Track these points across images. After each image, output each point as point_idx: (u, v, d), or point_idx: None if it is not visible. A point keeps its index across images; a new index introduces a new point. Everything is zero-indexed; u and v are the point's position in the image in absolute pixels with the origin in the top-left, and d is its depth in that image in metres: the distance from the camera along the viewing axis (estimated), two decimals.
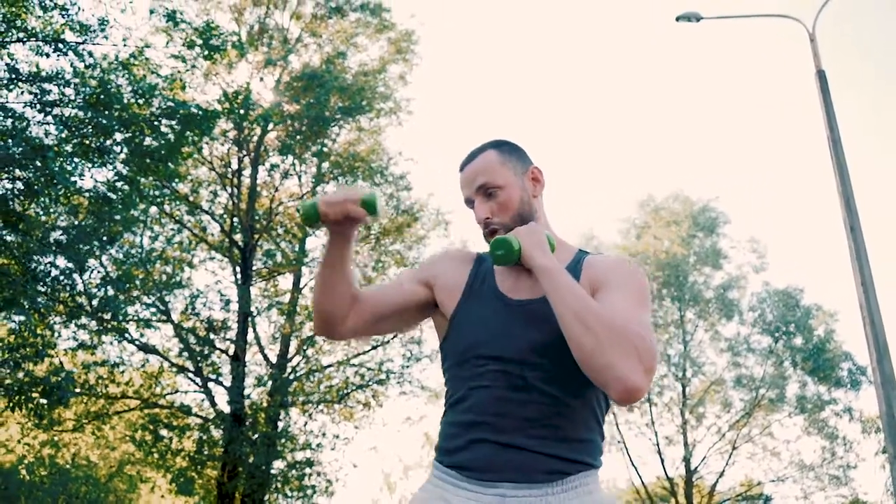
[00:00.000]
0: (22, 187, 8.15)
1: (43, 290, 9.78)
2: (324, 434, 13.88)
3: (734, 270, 20.00)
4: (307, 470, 13.31)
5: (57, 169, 7.60)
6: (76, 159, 9.29)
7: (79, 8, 8.81)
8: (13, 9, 8.68)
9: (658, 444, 19.14)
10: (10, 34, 9.12)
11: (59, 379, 8.53)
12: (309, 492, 13.16)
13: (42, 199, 8.41)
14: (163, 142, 9.68)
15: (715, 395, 19.38)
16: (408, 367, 14.37)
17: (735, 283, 19.75)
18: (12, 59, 9.21)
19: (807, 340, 18.85)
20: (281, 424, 13.66)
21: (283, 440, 13.29)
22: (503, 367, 1.50)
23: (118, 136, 9.70)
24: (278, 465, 13.26)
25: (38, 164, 7.70)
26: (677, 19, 10.47)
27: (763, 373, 19.02)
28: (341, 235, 1.59)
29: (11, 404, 8.54)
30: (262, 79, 14.13)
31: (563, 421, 1.48)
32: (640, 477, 19.41)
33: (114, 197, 9.92)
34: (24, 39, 9.06)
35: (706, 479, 19.69)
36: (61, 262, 10.24)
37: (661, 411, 19.52)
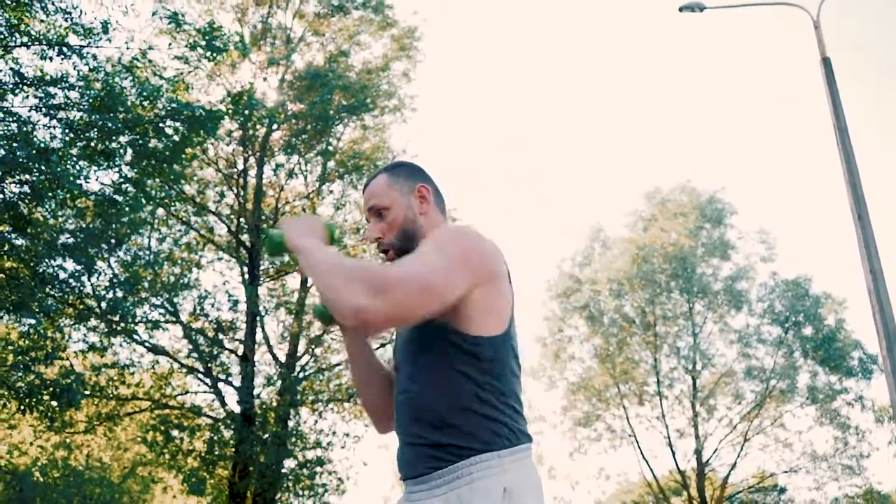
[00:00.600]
0: (28, 191, 8.18)
1: (52, 293, 9.83)
2: (334, 433, 13.90)
3: (742, 261, 19.93)
4: (318, 469, 13.33)
5: (60, 172, 7.63)
6: (81, 162, 9.32)
7: (81, 11, 8.82)
8: (16, 13, 8.71)
9: (669, 438, 19.10)
10: (13, 39, 9.15)
11: (70, 381, 8.57)
12: (320, 490, 13.19)
13: (48, 202, 8.44)
14: (167, 143, 9.70)
15: (725, 386, 19.32)
16: None
17: (743, 274, 19.68)
18: (17, 64, 9.25)
19: (817, 330, 18.76)
20: (291, 423, 13.69)
21: (293, 439, 13.33)
22: (398, 374, 1.65)
23: (123, 139, 9.74)
24: (289, 464, 13.29)
25: (43, 167, 7.73)
26: (680, 10, 10.40)
27: (773, 363, 18.94)
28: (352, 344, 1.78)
29: (23, 407, 8.59)
30: (265, 78, 14.16)
31: (428, 411, 1.51)
32: (651, 471, 19.40)
33: (120, 199, 9.96)
34: (28, 44, 9.09)
35: (718, 472, 19.65)
36: (70, 265, 10.30)
37: (671, 404, 19.48)
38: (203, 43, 10.27)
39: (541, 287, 21.45)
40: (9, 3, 8.54)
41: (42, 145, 8.27)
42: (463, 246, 1.50)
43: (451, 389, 1.50)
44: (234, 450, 12.64)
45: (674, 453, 19.07)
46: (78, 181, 8.39)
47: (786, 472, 19.12)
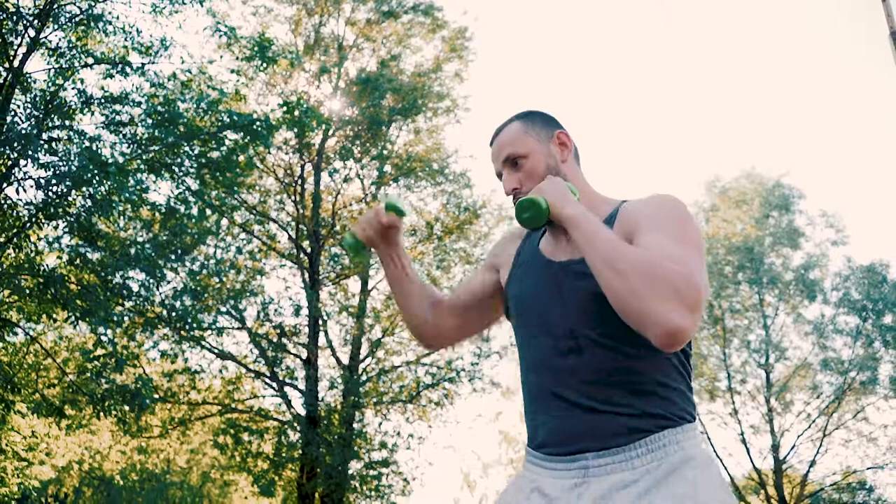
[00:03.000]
0: (91, 204, 8.56)
1: (123, 302, 10.25)
2: (398, 433, 14.01)
3: (812, 249, 19.15)
4: (383, 470, 13.46)
5: (119, 184, 7.96)
6: (147, 175, 9.69)
7: (138, 30, 9.18)
8: (77, 34, 9.12)
9: (743, 434, 18.48)
10: (79, 60, 9.59)
11: (139, 387, 8.92)
12: (386, 491, 13.31)
13: (111, 214, 8.81)
14: (224, 154, 10.00)
15: (801, 380, 18.56)
16: (477, 364, 14.35)
17: (816, 262, 18.89)
18: (83, 84, 9.68)
19: None
20: (356, 425, 13.87)
21: (358, 441, 13.49)
22: (552, 333, 1.47)
23: (184, 151, 10.08)
24: (355, 465, 13.46)
25: (102, 179, 8.08)
26: None
27: (852, 354, 18.10)
28: (389, 252, 1.69)
29: (97, 411, 8.98)
30: (318, 86, 14.42)
31: (628, 374, 1.40)
32: (726, 469, 18.77)
33: (183, 210, 10.31)
34: (92, 65, 9.51)
35: (797, 469, 18.88)
36: (140, 275, 10.71)
37: (744, 400, 18.84)
38: (256, 53, 10.55)
39: None
40: (72, 26, 8.96)
41: (104, 159, 8.64)
42: (700, 236, 1.44)
43: (658, 358, 1.41)
44: (300, 452, 12.89)
45: (749, 451, 18.43)
46: (138, 193, 8.72)
47: (870, 468, 18.22)
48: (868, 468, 18.26)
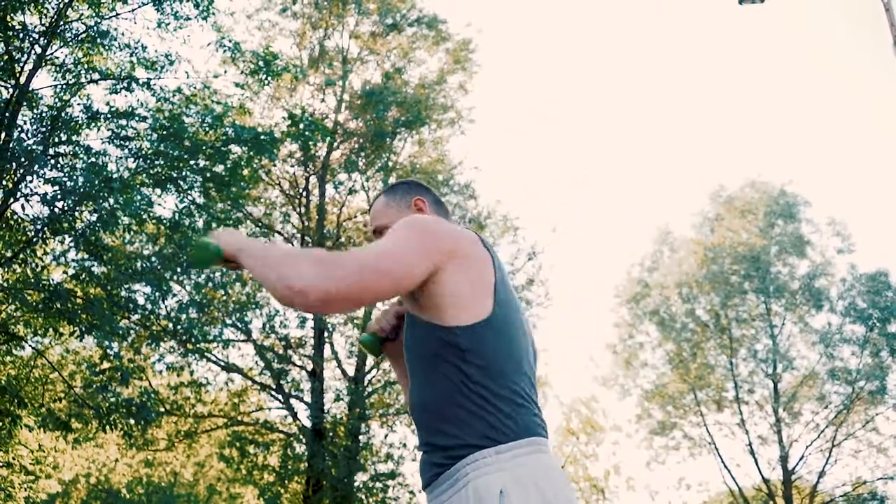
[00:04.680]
0: (96, 219, 8.61)
1: (129, 316, 10.29)
2: (404, 445, 13.96)
3: (818, 257, 19.07)
4: (389, 482, 13.40)
5: (124, 200, 8.01)
6: (150, 189, 9.75)
7: (143, 47, 9.26)
8: (84, 51, 9.20)
9: (751, 445, 18.36)
10: (86, 76, 9.66)
11: (145, 399, 8.94)
12: (392, 503, 13.25)
13: (116, 228, 8.87)
14: (229, 167, 10.05)
15: (809, 390, 18.44)
16: None
17: (822, 271, 18.81)
18: (88, 100, 9.76)
19: None
20: (362, 438, 13.83)
21: (364, 453, 13.46)
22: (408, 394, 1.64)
23: (189, 165, 10.14)
24: (361, 477, 13.42)
25: (106, 194, 8.14)
26: (740, 2, 10.12)
27: (860, 364, 17.98)
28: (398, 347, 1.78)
29: (103, 424, 9.00)
30: (323, 99, 14.49)
31: (425, 413, 1.49)
32: (734, 479, 18.65)
33: (188, 223, 10.36)
34: (98, 80, 9.59)
35: (806, 480, 18.72)
36: (146, 288, 10.75)
37: (752, 410, 18.74)
38: (261, 68, 10.61)
39: (609, 293, 21.09)
40: (78, 43, 9.05)
41: (109, 174, 8.70)
42: (418, 228, 1.49)
43: (441, 387, 1.46)
44: (306, 464, 12.86)
45: (757, 461, 18.30)
46: (143, 207, 8.77)
47: (881, 479, 18.05)
48: (878, 479, 18.10)
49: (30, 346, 10.44)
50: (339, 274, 1.36)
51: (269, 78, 10.35)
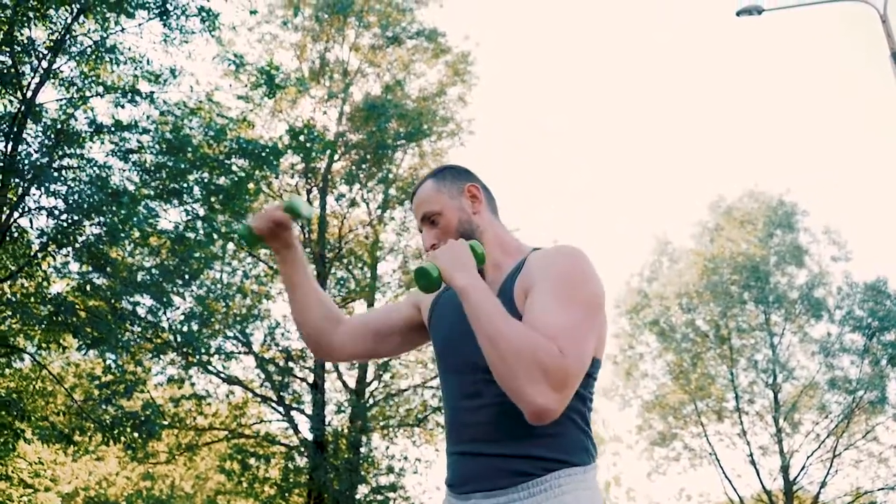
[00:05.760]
0: (103, 232, 8.62)
1: (132, 328, 10.28)
2: (405, 458, 13.95)
3: (815, 267, 19.15)
4: (391, 494, 13.38)
5: (132, 213, 8.04)
6: (153, 202, 9.77)
7: (148, 60, 9.31)
8: (90, 66, 9.25)
9: (752, 455, 18.35)
10: (90, 89, 9.70)
11: (149, 413, 8.92)
12: None
13: (122, 242, 8.88)
14: (232, 180, 10.08)
15: (810, 400, 18.46)
16: None
17: (820, 280, 18.88)
18: (93, 113, 9.79)
19: None
20: (363, 450, 13.81)
21: (365, 465, 13.43)
22: (458, 376, 1.57)
23: (192, 178, 10.17)
24: (363, 490, 13.38)
25: (115, 208, 8.16)
26: (738, 13, 10.20)
27: (860, 373, 18.01)
28: (282, 252, 1.76)
29: (107, 438, 8.97)
30: (325, 112, 14.55)
31: (519, 418, 1.43)
32: (735, 490, 18.62)
33: (191, 236, 10.37)
34: (103, 93, 9.62)
35: (808, 490, 18.70)
36: (147, 301, 10.74)
37: (753, 420, 18.74)
38: (264, 80, 10.67)
39: (609, 304, 21.11)
40: (84, 57, 9.09)
41: (116, 188, 8.73)
42: (593, 292, 1.48)
43: None
44: (308, 477, 12.83)
45: (758, 471, 18.28)
46: (149, 220, 8.79)
47: (882, 489, 18.05)
48: (879, 489, 18.10)
49: (30, 357, 10.42)
50: (568, 394, 1.38)
51: (273, 91, 10.39)
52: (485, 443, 1.49)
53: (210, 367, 12.78)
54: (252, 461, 13.36)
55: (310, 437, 13.10)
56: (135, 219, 8.11)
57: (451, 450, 1.57)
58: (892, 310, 18.03)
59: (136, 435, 9.11)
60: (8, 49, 8.03)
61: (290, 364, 13.76)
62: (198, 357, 11.33)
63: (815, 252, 19.24)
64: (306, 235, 14.55)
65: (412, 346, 1.84)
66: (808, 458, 18.20)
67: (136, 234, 8.80)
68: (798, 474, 18.18)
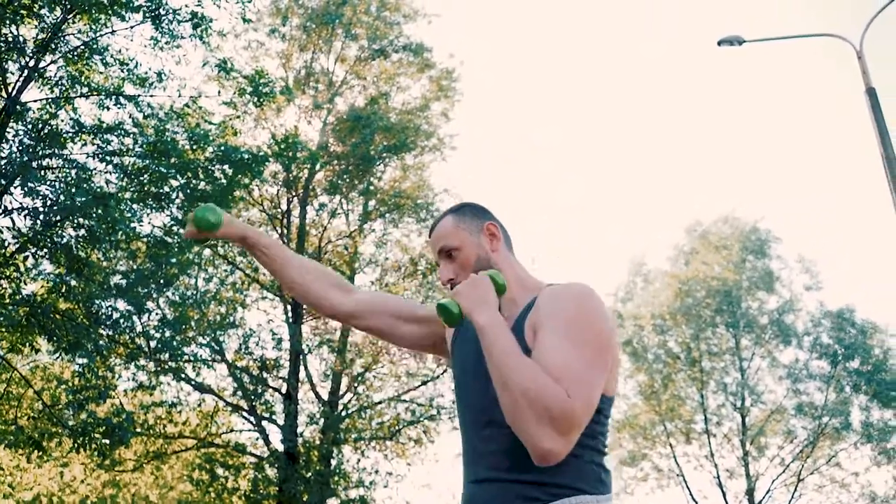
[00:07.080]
0: (85, 234, 8.49)
1: (105, 332, 10.10)
2: (376, 471, 13.84)
3: (787, 293, 19.52)
4: None
5: (117, 216, 7.93)
6: (135, 205, 9.65)
7: (136, 63, 9.23)
8: (78, 67, 9.14)
9: (719, 477, 18.55)
10: (75, 89, 9.57)
11: (121, 420, 8.76)
12: None
13: (103, 245, 8.75)
14: (216, 186, 10.00)
15: (776, 424, 18.75)
16: None
17: (790, 307, 19.25)
18: (76, 113, 9.66)
19: (864, 362, 18.16)
20: (334, 462, 13.68)
21: (336, 478, 13.30)
22: (473, 406, 1.61)
23: (174, 182, 10.07)
24: (332, 503, 13.25)
25: (100, 211, 8.05)
26: (719, 43, 10.44)
27: (825, 399, 18.35)
28: (239, 244, 1.90)
29: (76, 445, 8.78)
30: (309, 122, 14.53)
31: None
32: None
33: (170, 241, 10.26)
34: (88, 94, 9.51)
35: None
36: (122, 305, 10.58)
37: (720, 442, 18.97)
38: (250, 89, 10.63)
39: None
40: (72, 57, 8.98)
41: (99, 190, 8.60)
42: (601, 331, 1.50)
43: None
44: (278, 489, 12.67)
45: (724, 494, 18.49)
46: (132, 224, 8.68)
47: None
48: None
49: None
50: (574, 436, 1.40)
51: (261, 100, 10.35)
52: (498, 470, 1.51)
53: (182, 375, 12.59)
54: (221, 471, 13.17)
55: (281, 447, 12.95)
56: (120, 223, 7.99)
57: (467, 479, 1.59)
58: (857, 338, 18.43)
59: (106, 441, 8.92)
60: None
61: (264, 374, 13.62)
62: (174, 363, 11.16)
63: (787, 278, 19.64)
64: (285, 244, 14.45)
65: (424, 346, 1.89)
66: (773, 481, 18.48)
67: (120, 236, 8.66)
68: (763, 498, 18.43)
